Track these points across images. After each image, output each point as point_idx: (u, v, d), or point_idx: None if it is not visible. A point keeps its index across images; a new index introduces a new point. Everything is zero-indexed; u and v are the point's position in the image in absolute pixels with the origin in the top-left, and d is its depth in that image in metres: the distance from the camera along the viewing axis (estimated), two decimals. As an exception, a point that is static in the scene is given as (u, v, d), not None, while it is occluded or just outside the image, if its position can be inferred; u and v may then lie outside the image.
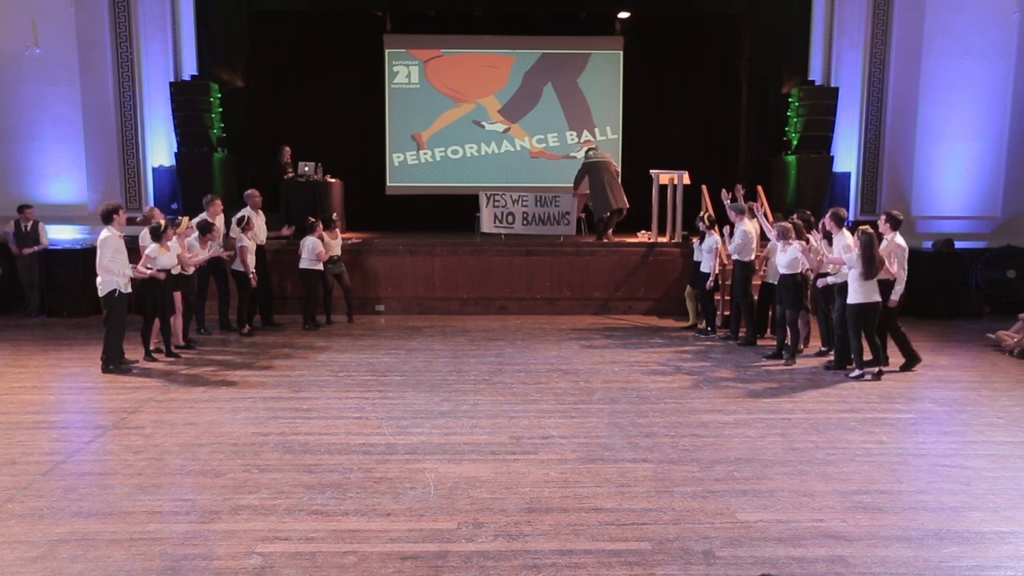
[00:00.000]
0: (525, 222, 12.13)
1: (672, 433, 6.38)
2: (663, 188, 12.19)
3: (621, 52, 14.77)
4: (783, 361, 8.76)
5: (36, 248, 11.46)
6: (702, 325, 10.55)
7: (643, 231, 12.64)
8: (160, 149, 12.60)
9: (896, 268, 8.22)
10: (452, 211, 13.90)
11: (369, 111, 14.65)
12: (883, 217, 8.54)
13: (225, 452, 5.90)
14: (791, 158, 12.96)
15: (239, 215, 10.13)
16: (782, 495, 5.16)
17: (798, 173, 12.80)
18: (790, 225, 8.84)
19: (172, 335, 8.99)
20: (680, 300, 11.27)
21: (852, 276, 7.93)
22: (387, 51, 14.68)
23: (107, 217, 8.23)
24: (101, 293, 8.16)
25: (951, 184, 12.78)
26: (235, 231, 9.99)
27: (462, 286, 11.75)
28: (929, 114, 12.65)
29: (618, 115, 14.83)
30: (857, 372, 8.11)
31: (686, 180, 12.00)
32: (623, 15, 14.57)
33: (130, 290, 8.35)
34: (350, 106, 14.49)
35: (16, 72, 12.11)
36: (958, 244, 12.10)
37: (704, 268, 10.14)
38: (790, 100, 13.09)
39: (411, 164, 14.85)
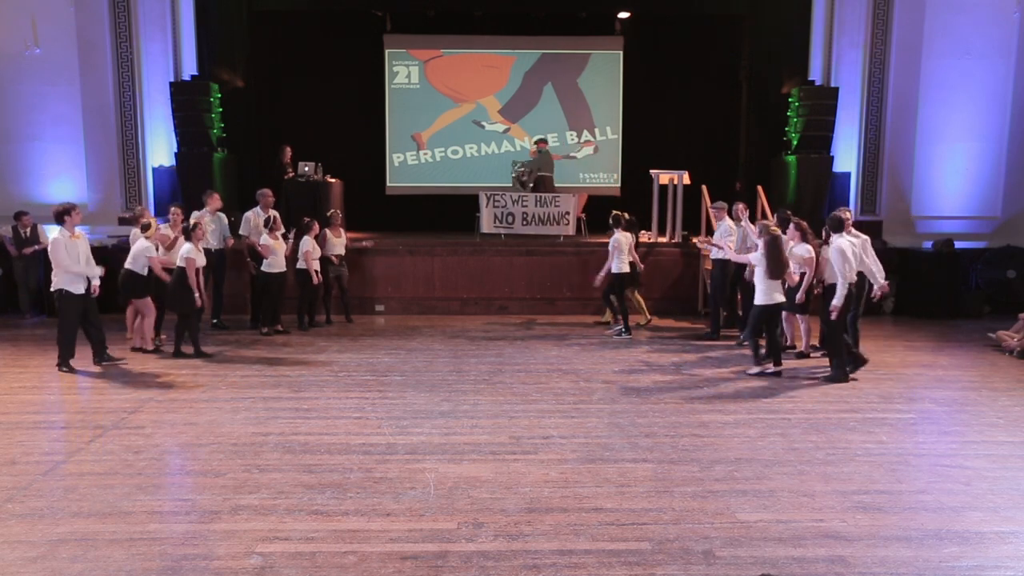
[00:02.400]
0: (525, 222, 12.15)
1: (672, 433, 6.38)
2: (663, 188, 12.20)
3: (621, 52, 14.77)
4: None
5: (37, 247, 11.44)
6: (607, 319, 10.76)
7: (643, 231, 12.61)
8: (160, 149, 12.61)
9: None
10: (452, 211, 13.89)
11: (369, 111, 14.65)
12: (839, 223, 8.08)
13: (225, 452, 5.89)
14: (791, 158, 12.95)
15: (265, 216, 10.23)
16: (782, 495, 5.16)
17: (798, 173, 12.79)
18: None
19: (179, 336, 8.99)
20: (680, 300, 11.29)
21: (757, 276, 7.98)
22: (387, 51, 14.69)
23: (59, 218, 8.22)
24: (52, 290, 8.25)
25: (951, 184, 12.78)
26: (262, 230, 10.10)
27: (462, 286, 11.74)
28: (929, 114, 12.64)
29: (618, 115, 14.83)
30: (756, 369, 8.15)
31: (686, 180, 12.00)
32: (623, 15, 14.57)
33: (82, 292, 8.19)
34: (350, 106, 14.49)
35: (16, 72, 12.11)
36: (958, 244, 12.08)
37: (613, 268, 10.03)
38: (790, 100, 13.08)
39: (411, 164, 14.85)
